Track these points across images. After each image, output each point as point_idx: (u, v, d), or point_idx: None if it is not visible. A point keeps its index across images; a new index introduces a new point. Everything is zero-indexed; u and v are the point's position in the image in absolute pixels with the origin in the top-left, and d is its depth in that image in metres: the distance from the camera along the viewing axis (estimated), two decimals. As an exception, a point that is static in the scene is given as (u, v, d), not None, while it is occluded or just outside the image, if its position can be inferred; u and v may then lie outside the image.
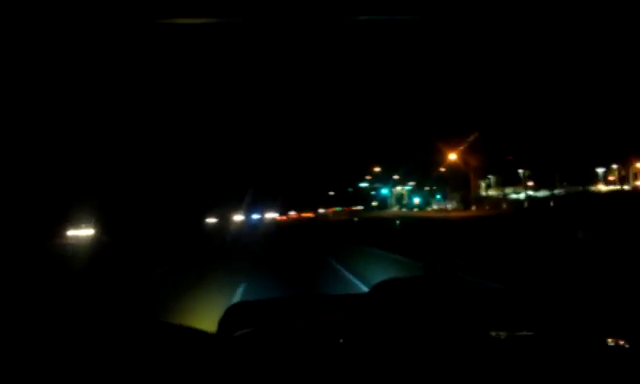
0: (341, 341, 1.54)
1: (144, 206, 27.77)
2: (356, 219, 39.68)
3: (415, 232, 22.49)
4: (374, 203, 79.41)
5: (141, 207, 26.56)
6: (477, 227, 22.35)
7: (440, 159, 56.46)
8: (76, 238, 19.79)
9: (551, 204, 34.61)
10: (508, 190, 59.62)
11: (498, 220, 26.89)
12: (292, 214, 78.52)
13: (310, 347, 1.46)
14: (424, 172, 63.54)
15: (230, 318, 1.89)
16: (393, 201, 76.17)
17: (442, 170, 60.06)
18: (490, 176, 64.34)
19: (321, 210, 78.67)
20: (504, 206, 45.92)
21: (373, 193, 79.57)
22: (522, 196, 53.77)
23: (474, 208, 49.68)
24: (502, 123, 42.11)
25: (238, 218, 41.56)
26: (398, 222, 27.53)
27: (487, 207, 47.80)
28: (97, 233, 20.12)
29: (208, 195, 39.27)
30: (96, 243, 18.68)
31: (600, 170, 53.57)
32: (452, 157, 48.16)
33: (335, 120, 73.67)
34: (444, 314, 1.76)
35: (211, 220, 39.05)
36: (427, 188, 70.67)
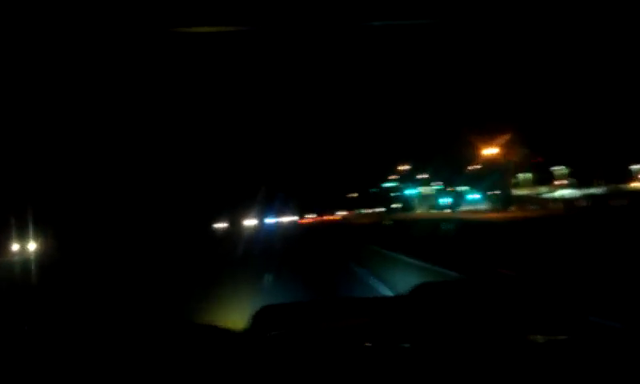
0: (368, 344, 1.53)
1: (130, 211, 23.54)
2: (389, 223, 34.47)
3: (463, 238, 18.44)
4: (396, 205, 75.92)
5: (124, 213, 22.38)
6: (535, 231, 18.21)
7: (473, 155, 51.78)
8: (22, 252, 15.51)
9: (625, 202, 29.35)
10: (542, 189, 54.92)
11: (557, 222, 22.30)
12: (310, 217, 74.14)
13: (339, 351, 1.44)
14: (454, 170, 59.02)
15: (259, 321, 1.87)
16: (418, 202, 71.83)
17: (473, 167, 55.50)
18: (520, 175, 59.94)
19: (342, 213, 74.28)
20: (553, 205, 40.45)
21: (393, 194, 76.11)
22: (557, 194, 48.31)
23: (513, 208, 44.52)
24: (535, 118, 38.58)
25: (250, 222, 36.54)
26: (448, 226, 22.59)
27: (532, 207, 42.50)
28: (44, 246, 15.65)
29: (216, 198, 34.73)
30: (39, 260, 14.35)
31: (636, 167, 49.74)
32: (490, 151, 43.01)
33: (355, 118, 68.84)
34: (483, 319, 1.71)
35: (220, 225, 34.54)
36: (451, 188, 66.26)
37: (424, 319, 1.73)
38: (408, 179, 67.83)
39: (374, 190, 76.38)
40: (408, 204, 73.15)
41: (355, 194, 78.12)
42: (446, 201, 64.18)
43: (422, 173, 65.03)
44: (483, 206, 60.04)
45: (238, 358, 1.28)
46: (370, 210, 75.98)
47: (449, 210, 60.27)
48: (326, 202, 74.18)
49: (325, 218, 72.54)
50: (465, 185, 59.89)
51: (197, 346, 1.30)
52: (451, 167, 57.62)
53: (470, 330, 1.59)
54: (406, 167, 63.56)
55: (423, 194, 69.89)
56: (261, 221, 38.15)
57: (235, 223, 35.60)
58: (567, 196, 48.29)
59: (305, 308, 2.16)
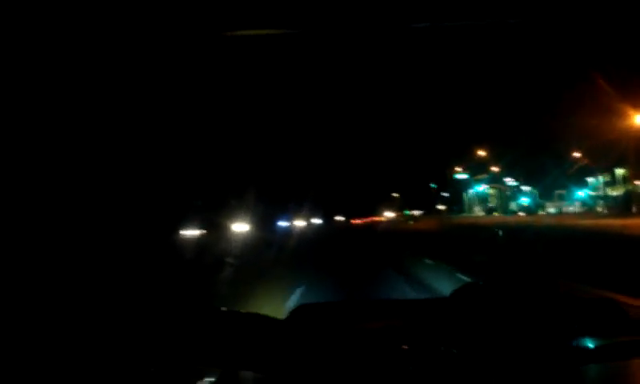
0: (405, 347, 1.55)
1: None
2: (500, 233, 22.32)
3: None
4: (441, 207, 63.84)
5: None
6: None
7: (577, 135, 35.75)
8: None
9: None
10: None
11: None
12: (339, 218, 59.44)
13: (374, 351, 1.47)
14: (539, 163, 43.36)
15: (296, 318, 1.95)
16: (480, 202, 57.51)
17: (578, 157, 39.80)
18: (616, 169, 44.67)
19: (384, 215, 60.17)
20: None
21: (446, 194, 62.74)
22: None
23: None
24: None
25: (240, 227, 21.67)
26: None
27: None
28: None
29: (187, 188, 20.66)
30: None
31: None
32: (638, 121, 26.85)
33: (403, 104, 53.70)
34: (533, 322, 1.67)
35: (192, 232, 20.13)
36: (527, 187, 51.37)
37: (466, 323, 1.69)
38: (473, 172, 53.65)
39: (433, 185, 62.81)
40: (459, 205, 60.43)
41: (397, 194, 64.32)
42: (524, 201, 50.21)
43: (491, 166, 50.27)
44: (575, 209, 45.43)
45: (282, 342, 1.34)
46: (416, 212, 62.65)
47: (523, 214, 46.42)
48: (361, 201, 59.79)
49: (359, 221, 57.64)
50: (557, 180, 44.18)
51: (240, 329, 1.34)
52: (535, 157, 42.06)
53: (512, 337, 1.55)
54: (480, 153, 48.46)
55: (490, 194, 55.69)
56: (264, 225, 23.83)
57: (216, 228, 20.92)
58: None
59: (343, 308, 2.21)
